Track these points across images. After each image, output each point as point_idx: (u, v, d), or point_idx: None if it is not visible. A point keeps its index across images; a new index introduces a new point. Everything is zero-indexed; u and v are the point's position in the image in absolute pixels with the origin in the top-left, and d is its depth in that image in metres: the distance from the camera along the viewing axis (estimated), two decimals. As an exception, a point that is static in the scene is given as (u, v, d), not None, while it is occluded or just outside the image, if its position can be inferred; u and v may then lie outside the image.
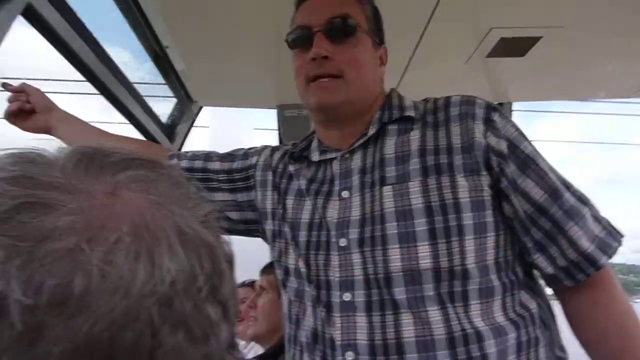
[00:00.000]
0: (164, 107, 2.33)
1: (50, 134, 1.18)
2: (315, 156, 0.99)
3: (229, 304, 0.35)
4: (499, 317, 0.83)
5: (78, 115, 1.22)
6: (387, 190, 0.87)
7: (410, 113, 0.93)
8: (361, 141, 0.94)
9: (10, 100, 1.16)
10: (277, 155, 1.10)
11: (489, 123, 0.87)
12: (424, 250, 0.82)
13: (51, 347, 0.27)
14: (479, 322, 0.81)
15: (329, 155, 0.97)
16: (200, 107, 2.51)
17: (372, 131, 0.93)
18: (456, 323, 0.80)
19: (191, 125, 2.50)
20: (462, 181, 0.84)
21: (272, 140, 2.83)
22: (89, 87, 1.61)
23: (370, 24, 0.96)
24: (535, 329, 0.86)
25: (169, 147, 2.32)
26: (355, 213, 0.88)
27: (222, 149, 1.20)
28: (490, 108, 0.89)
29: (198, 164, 1.15)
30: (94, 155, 0.34)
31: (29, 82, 1.21)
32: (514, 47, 1.91)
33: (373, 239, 0.85)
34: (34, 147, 0.34)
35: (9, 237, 0.28)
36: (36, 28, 1.27)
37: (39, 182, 0.31)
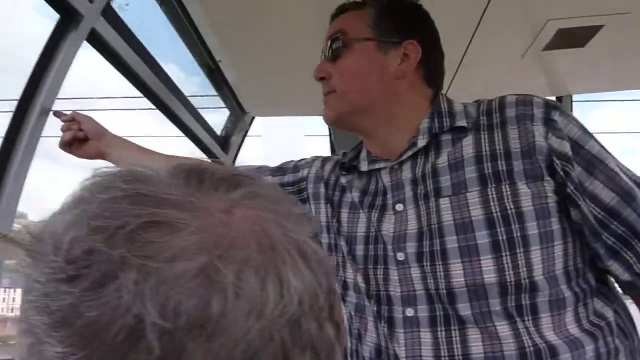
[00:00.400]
0: (215, 118, 2.40)
1: (104, 159, 1.22)
2: (364, 166, 0.97)
3: (340, 324, 0.33)
4: (574, 329, 0.78)
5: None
6: (444, 203, 0.83)
7: (462, 123, 0.88)
8: (410, 153, 0.90)
9: (63, 130, 1.20)
10: (328, 167, 1.08)
11: (549, 124, 0.81)
12: (487, 264, 0.78)
13: None
14: (551, 336, 0.77)
15: (377, 166, 0.94)
16: (253, 118, 2.56)
17: (422, 143, 0.89)
18: (527, 338, 0.77)
19: (245, 136, 2.56)
20: (524, 189, 0.79)
21: (325, 146, 2.84)
22: (143, 102, 1.68)
23: (372, 28, 0.92)
24: (614, 339, 0.80)
25: (224, 158, 2.38)
26: (412, 226, 0.86)
27: (275, 158, 1.20)
28: (550, 107, 0.83)
29: None
30: (203, 173, 0.33)
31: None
32: (573, 38, 1.82)
33: (432, 254, 0.82)
34: (136, 165, 0.33)
35: (139, 257, 0.27)
36: (99, 51, 1.34)
37: (159, 201, 0.30)
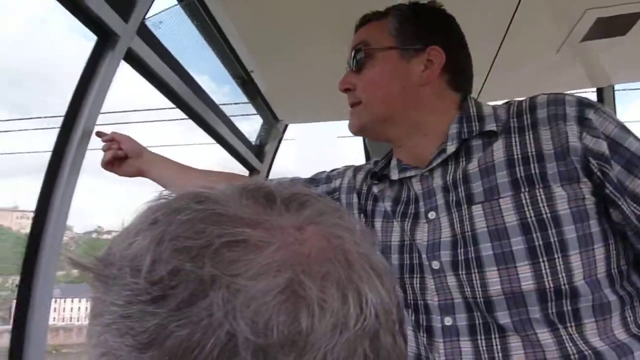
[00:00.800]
0: (247, 125, 2.44)
1: (144, 176, 1.28)
2: (394, 174, 0.96)
3: (407, 336, 0.34)
4: (620, 334, 0.75)
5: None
6: (477, 209, 0.81)
7: (491, 127, 0.86)
8: (439, 159, 0.88)
9: (104, 149, 1.26)
10: (359, 177, 1.08)
11: (583, 122, 0.78)
12: (524, 271, 0.76)
13: None
14: (596, 342, 0.74)
15: (407, 173, 0.94)
16: (286, 125, 2.58)
17: (451, 148, 0.87)
18: (571, 345, 0.74)
19: (279, 144, 2.59)
20: (559, 191, 0.76)
21: (358, 147, 2.84)
22: (170, 113, 1.71)
23: (395, 37, 0.92)
24: None
25: (259, 166, 2.41)
26: (446, 234, 0.84)
27: (309, 161, 1.22)
28: (583, 105, 0.80)
29: None
30: (271, 193, 0.34)
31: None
32: (613, 26, 1.75)
33: (467, 262, 0.81)
34: (201, 187, 0.34)
35: (227, 275, 0.27)
36: (136, 69, 1.38)
37: (235, 219, 0.30)
